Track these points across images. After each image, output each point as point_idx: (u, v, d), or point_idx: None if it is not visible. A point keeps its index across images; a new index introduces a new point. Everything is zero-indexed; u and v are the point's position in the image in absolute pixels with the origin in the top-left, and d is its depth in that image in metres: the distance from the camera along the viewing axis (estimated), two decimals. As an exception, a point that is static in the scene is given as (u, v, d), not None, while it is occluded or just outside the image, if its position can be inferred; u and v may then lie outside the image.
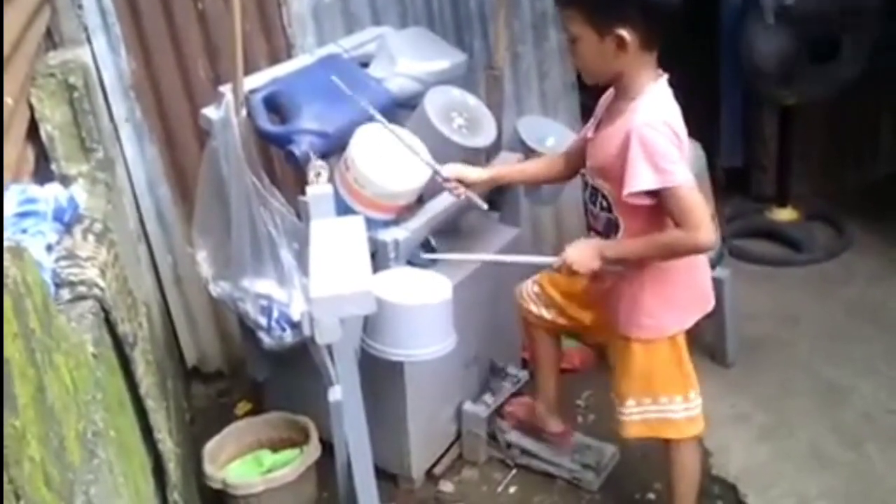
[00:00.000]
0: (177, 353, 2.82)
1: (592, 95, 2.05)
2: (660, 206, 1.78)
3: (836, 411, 2.59)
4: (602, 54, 1.77)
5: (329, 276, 1.59)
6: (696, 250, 1.83)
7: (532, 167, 2.25)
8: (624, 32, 1.72)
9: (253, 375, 2.60)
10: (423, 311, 1.89)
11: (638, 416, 2.02)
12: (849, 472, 2.37)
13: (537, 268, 2.22)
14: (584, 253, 1.89)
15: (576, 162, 2.06)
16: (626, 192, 1.76)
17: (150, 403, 1.75)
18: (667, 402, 1.99)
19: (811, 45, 3.12)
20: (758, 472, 2.40)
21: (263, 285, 2.23)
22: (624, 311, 1.97)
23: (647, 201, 1.78)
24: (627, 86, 1.82)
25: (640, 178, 1.73)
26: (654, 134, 1.73)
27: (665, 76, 1.83)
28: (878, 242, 3.42)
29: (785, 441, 2.50)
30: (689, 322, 1.99)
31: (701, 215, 1.75)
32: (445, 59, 2.51)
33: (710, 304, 2.03)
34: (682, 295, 1.96)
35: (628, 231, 1.88)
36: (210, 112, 2.24)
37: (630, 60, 1.77)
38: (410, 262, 2.20)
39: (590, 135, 1.95)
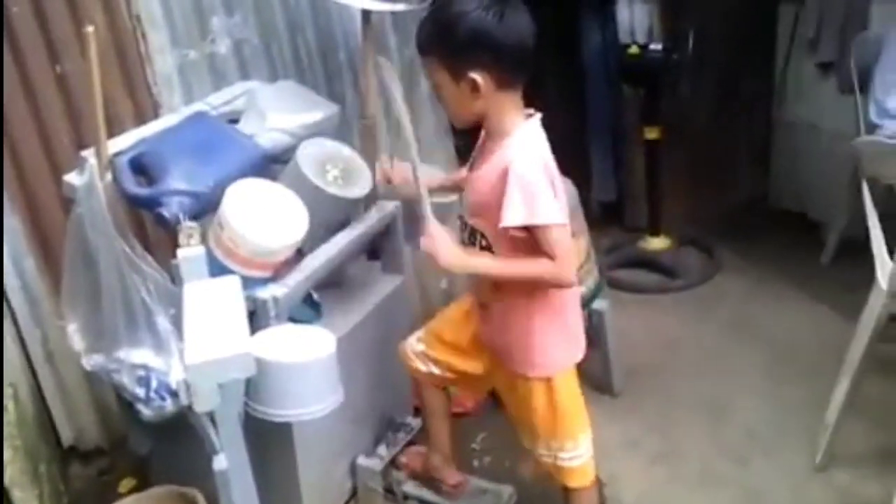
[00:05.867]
0: (51, 434, 2.65)
1: (466, 139, 2.07)
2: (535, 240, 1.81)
3: (721, 430, 2.68)
4: (461, 98, 1.82)
5: (205, 341, 1.54)
6: (560, 282, 1.87)
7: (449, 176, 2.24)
8: (476, 76, 1.77)
9: (135, 450, 2.48)
10: (307, 368, 1.84)
11: (549, 458, 2.03)
12: (739, 489, 2.44)
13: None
14: (451, 247, 1.86)
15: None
16: (501, 225, 1.78)
17: (16, 494, 1.64)
18: (571, 448, 2.00)
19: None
20: (652, 498, 2.44)
21: (139, 355, 2.14)
22: (516, 350, 1.98)
23: (523, 234, 1.81)
24: (495, 126, 1.86)
25: (515, 214, 1.76)
26: (530, 171, 1.77)
27: (537, 115, 1.87)
28: (746, 263, 3.61)
29: (675, 464, 2.56)
30: (578, 356, 2.02)
31: (568, 253, 1.81)
32: (317, 111, 2.50)
33: (584, 345, 2.06)
34: (568, 329, 1.99)
35: None
36: (73, 178, 2.15)
37: (490, 102, 1.81)
38: (292, 319, 2.16)
39: (464, 174, 1.98)
